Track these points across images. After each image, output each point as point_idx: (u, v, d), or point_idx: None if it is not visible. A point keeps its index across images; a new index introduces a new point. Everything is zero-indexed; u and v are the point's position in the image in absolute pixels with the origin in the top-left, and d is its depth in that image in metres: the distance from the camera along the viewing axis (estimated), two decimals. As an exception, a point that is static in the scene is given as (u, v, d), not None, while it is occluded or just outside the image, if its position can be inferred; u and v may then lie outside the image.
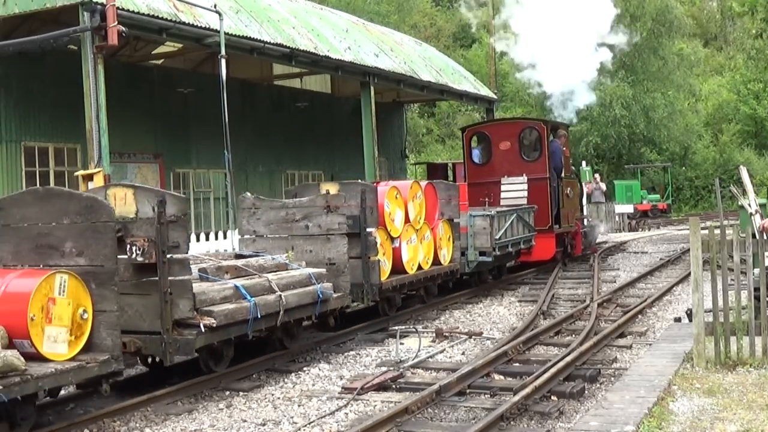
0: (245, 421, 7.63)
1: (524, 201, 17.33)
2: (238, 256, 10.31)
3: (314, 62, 16.12)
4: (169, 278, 8.01)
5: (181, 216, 8.14)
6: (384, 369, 9.36)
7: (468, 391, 8.22)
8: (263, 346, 9.97)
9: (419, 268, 12.44)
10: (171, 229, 8.08)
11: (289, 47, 14.94)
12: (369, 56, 17.98)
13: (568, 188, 19.21)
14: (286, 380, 9.21)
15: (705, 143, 44.33)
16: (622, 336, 10.82)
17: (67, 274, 7.01)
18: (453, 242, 13.53)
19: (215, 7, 13.12)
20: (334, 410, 7.77)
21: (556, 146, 18.58)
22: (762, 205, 10.22)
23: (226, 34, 13.12)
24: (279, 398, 8.42)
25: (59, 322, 6.91)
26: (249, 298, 8.79)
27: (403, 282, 12.06)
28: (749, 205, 8.95)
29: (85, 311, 7.09)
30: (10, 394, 6.29)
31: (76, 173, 11.98)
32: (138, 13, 11.69)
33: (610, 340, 10.38)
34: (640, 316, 12.29)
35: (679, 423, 6.35)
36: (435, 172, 28.57)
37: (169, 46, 15.99)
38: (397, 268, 11.89)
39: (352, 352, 10.57)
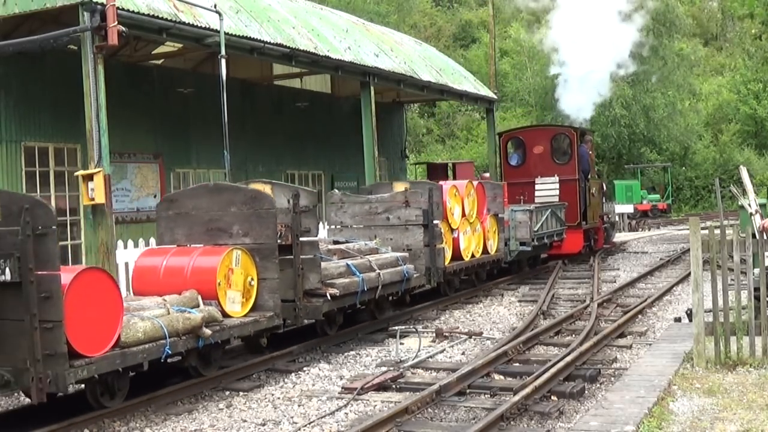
0: (245, 421, 7.63)
1: (556, 199, 19.27)
2: (335, 242, 12.06)
3: (314, 62, 16.11)
4: (301, 257, 9.91)
5: (312, 207, 10.12)
6: (384, 369, 9.36)
7: (468, 391, 8.22)
8: (355, 316, 11.87)
9: (472, 255, 14.59)
10: (303, 217, 10.04)
11: (289, 47, 14.94)
12: (369, 56, 17.98)
13: (594, 188, 21.05)
14: (286, 380, 9.21)
15: (705, 143, 44.33)
16: (622, 336, 10.82)
17: (240, 250, 9.12)
18: (498, 234, 15.70)
19: (215, 7, 13.11)
20: (334, 410, 7.77)
21: (584, 151, 20.50)
22: (762, 205, 10.22)
23: (226, 34, 13.11)
24: (279, 398, 8.42)
25: (236, 287, 9.00)
26: (358, 274, 10.87)
27: (461, 267, 14.22)
28: (749, 205, 8.95)
29: (252, 279, 9.21)
30: (214, 338, 8.42)
31: (76, 173, 11.97)
32: (138, 13, 11.68)
33: (610, 340, 10.39)
34: (640, 316, 12.29)
35: (679, 423, 6.35)
36: (435, 172, 28.59)
37: (169, 46, 15.98)
38: (456, 255, 14.01)
39: (352, 352, 10.58)
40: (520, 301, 14.65)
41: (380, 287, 11.22)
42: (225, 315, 8.77)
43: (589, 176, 20.72)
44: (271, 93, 20.44)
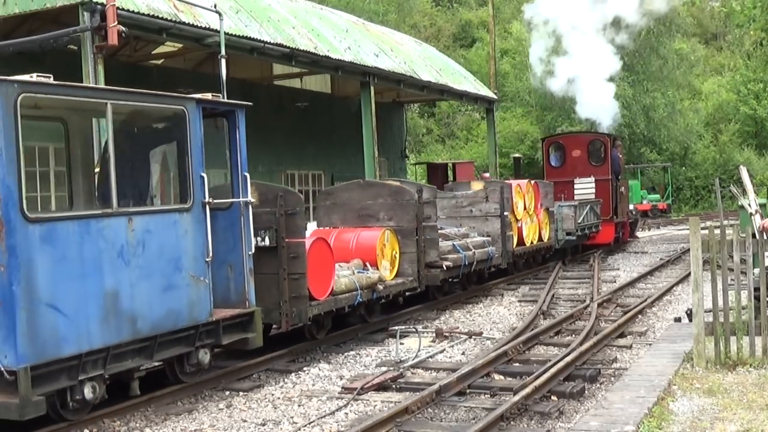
0: (245, 421, 7.63)
1: (593, 197, 22.07)
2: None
3: (314, 62, 16.11)
4: (424, 237, 12.53)
5: (432, 200, 13.02)
6: (384, 369, 9.36)
7: (468, 391, 8.22)
8: (452, 287, 14.76)
9: (531, 242, 17.42)
10: (426, 207, 12.70)
11: (289, 47, 14.93)
12: (369, 56, 17.98)
13: (623, 187, 24.10)
14: (286, 380, 9.21)
15: (705, 143, 44.31)
16: (622, 336, 10.82)
17: (389, 230, 12.13)
18: (549, 225, 18.51)
19: (215, 7, 13.10)
20: (334, 410, 7.77)
21: (616, 155, 23.28)
22: (762, 205, 10.22)
23: (226, 34, 13.10)
24: (279, 398, 8.42)
25: (387, 258, 11.98)
26: (461, 252, 13.86)
27: (524, 251, 17.17)
28: (749, 205, 8.95)
29: (396, 252, 12.25)
30: (382, 293, 11.46)
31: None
32: (138, 13, 11.68)
33: (610, 340, 10.39)
34: (640, 316, 12.29)
35: (679, 423, 6.35)
36: (435, 172, 28.62)
37: (169, 46, 15.98)
38: (520, 241, 16.83)
39: (352, 352, 10.58)
40: (520, 301, 14.65)
41: (475, 263, 14.31)
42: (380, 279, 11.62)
43: (620, 177, 23.55)
44: (271, 93, 20.44)
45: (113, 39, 10.89)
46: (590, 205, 20.81)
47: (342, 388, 8.56)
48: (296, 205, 9.68)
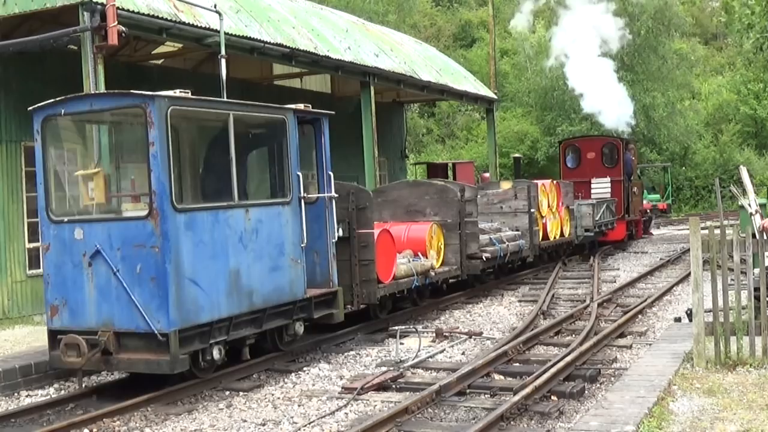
0: (245, 421, 7.63)
1: (608, 196, 23.45)
2: None
3: (314, 62, 16.11)
4: (466, 231, 14.00)
5: (473, 197, 14.33)
6: (384, 369, 9.36)
7: (468, 391, 8.22)
8: (486, 276, 16.09)
9: (554, 237, 18.85)
10: (467, 204, 14.05)
11: (289, 47, 14.93)
12: (369, 56, 17.97)
13: (635, 188, 25.70)
14: (286, 380, 9.21)
15: (705, 143, 44.28)
16: (622, 336, 10.82)
17: (435, 224, 13.60)
18: (570, 222, 19.94)
19: (215, 7, 13.11)
20: (334, 410, 7.77)
21: (628, 157, 24.82)
22: (762, 205, 10.23)
23: (226, 34, 13.10)
24: (279, 398, 8.42)
25: (433, 249, 13.42)
26: (497, 244, 15.34)
27: (549, 245, 18.64)
28: (749, 205, 8.94)
29: (441, 244, 13.64)
30: (431, 279, 13.02)
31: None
32: (138, 13, 11.67)
33: (610, 340, 10.39)
34: (640, 316, 12.29)
35: (679, 423, 6.35)
36: (435, 172, 28.62)
37: (169, 46, 15.96)
38: (545, 236, 18.21)
39: (352, 352, 10.58)
40: (520, 301, 14.65)
41: (508, 254, 15.84)
42: (431, 266, 13.10)
43: (632, 178, 25.16)
44: (271, 93, 20.42)
45: (113, 39, 10.89)
46: (606, 204, 22.44)
47: (342, 388, 8.56)
48: (366, 201, 11.25)
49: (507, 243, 15.81)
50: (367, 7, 38.93)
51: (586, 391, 8.03)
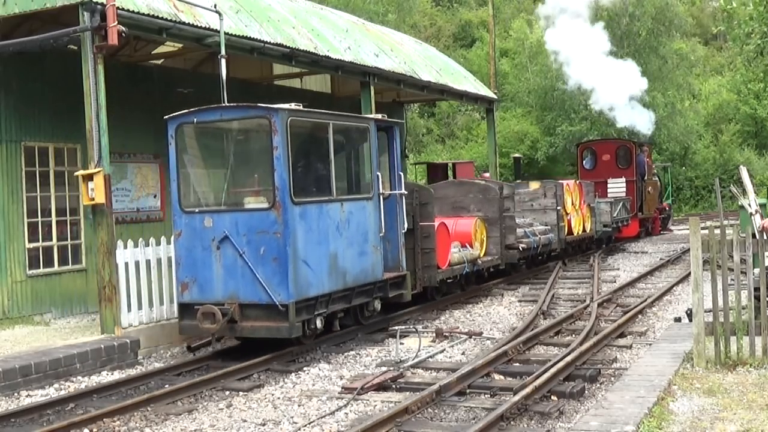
0: (245, 421, 7.63)
1: (623, 195, 25.33)
2: None
3: (314, 62, 16.09)
4: (505, 224, 15.75)
5: (511, 195, 16.15)
6: (384, 369, 9.37)
7: (468, 391, 8.23)
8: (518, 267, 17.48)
9: (577, 232, 20.46)
10: (506, 200, 15.83)
11: (289, 47, 14.91)
12: (369, 56, 17.96)
13: (649, 187, 27.45)
14: (286, 380, 9.22)
15: (705, 143, 44.24)
16: (622, 336, 10.83)
17: (479, 219, 15.34)
18: (591, 218, 21.57)
19: (215, 7, 13.09)
20: (334, 410, 7.77)
21: (641, 158, 26.68)
22: (762, 205, 10.22)
23: (226, 34, 13.09)
24: (279, 398, 8.42)
25: (477, 240, 15.07)
26: (531, 237, 17.20)
27: (573, 239, 20.26)
28: (749, 205, 8.95)
29: (483, 236, 15.37)
30: (478, 267, 14.78)
31: (76, 173, 11.96)
32: (138, 13, 11.65)
33: (610, 340, 10.39)
34: (640, 316, 12.29)
35: (679, 423, 6.35)
36: (435, 172, 28.63)
37: (169, 46, 15.94)
38: (569, 231, 19.82)
39: (352, 352, 10.58)
40: (520, 301, 14.65)
41: (540, 246, 17.52)
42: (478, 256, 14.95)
43: (646, 178, 26.82)
44: (271, 93, 20.39)
45: (113, 39, 10.88)
46: (622, 202, 24.37)
47: (342, 388, 8.56)
48: (428, 198, 13.04)
49: (539, 236, 17.61)
50: (367, 7, 38.92)
51: (586, 391, 8.03)
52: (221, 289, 10.08)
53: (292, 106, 10.27)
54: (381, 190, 11.74)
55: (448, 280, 14.18)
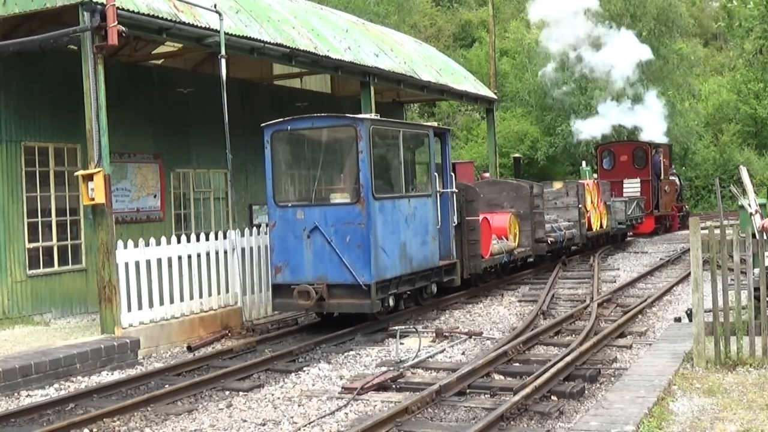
0: (245, 421, 7.63)
1: (638, 194, 27.16)
2: None
3: (314, 62, 16.09)
4: (535, 219, 17.38)
5: (540, 193, 17.91)
6: (384, 369, 9.36)
7: (468, 391, 8.22)
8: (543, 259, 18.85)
9: (596, 228, 22.04)
10: (535, 198, 17.52)
11: (289, 47, 14.91)
12: (369, 56, 17.96)
13: (666, 186, 29.22)
14: (286, 380, 9.22)
15: (705, 143, 44.23)
16: (622, 336, 10.82)
17: (512, 214, 16.80)
18: (607, 216, 23.03)
19: (215, 7, 13.10)
20: (334, 410, 7.77)
21: (657, 160, 28.53)
22: (762, 205, 10.22)
23: (226, 34, 13.09)
24: (279, 398, 8.42)
25: (512, 234, 16.64)
26: (558, 232, 18.83)
27: (592, 235, 21.85)
28: (749, 205, 8.95)
29: (516, 230, 16.85)
30: (514, 257, 16.39)
31: (76, 173, 11.96)
32: (138, 13, 11.65)
33: (610, 340, 10.39)
34: (640, 316, 12.29)
35: (679, 423, 6.35)
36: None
37: (169, 46, 15.94)
38: (589, 227, 21.38)
39: (352, 352, 10.58)
40: (520, 301, 14.65)
41: (565, 240, 19.18)
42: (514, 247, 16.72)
43: (662, 178, 28.65)
44: (271, 93, 20.41)
45: (113, 39, 10.88)
46: (636, 201, 26.04)
47: (342, 388, 8.56)
48: (473, 196, 14.79)
49: (564, 231, 19.21)
50: (368, 7, 38.91)
51: (586, 391, 8.02)
52: (311, 272, 11.72)
53: (373, 116, 12.45)
54: (437, 188, 13.45)
55: (489, 269, 15.86)
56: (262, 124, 12.33)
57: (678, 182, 31.66)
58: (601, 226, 22.53)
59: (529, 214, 17.34)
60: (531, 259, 18.02)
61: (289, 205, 12.10)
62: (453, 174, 14.16)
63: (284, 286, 11.88)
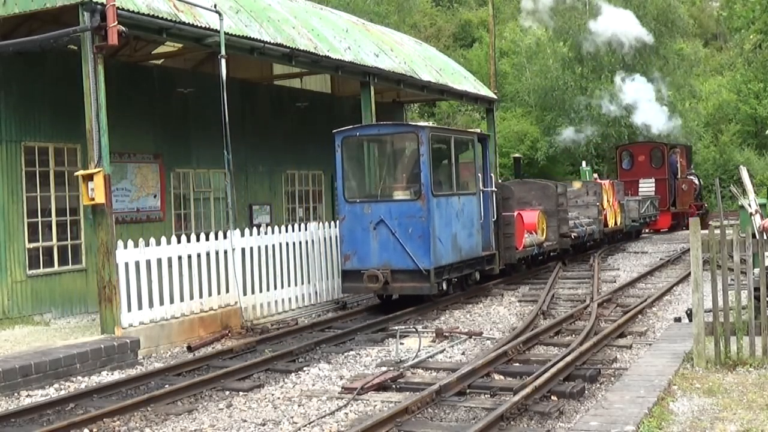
0: (245, 421, 7.63)
1: (653, 193, 28.81)
2: None
3: (314, 62, 16.09)
4: (560, 216, 19.01)
5: (564, 192, 19.46)
6: (384, 369, 9.36)
7: (468, 391, 8.22)
8: (563, 254, 20.13)
9: (612, 225, 23.62)
10: (560, 197, 19.13)
11: (289, 47, 14.91)
12: (369, 56, 17.96)
13: (683, 185, 30.59)
14: (286, 380, 9.21)
15: (705, 143, 44.24)
16: (622, 336, 10.82)
17: (540, 211, 18.32)
18: (622, 213, 24.68)
19: (215, 7, 13.10)
20: (334, 410, 7.77)
21: (673, 159, 30.05)
22: (762, 205, 10.24)
23: (226, 34, 13.09)
24: (279, 398, 8.42)
25: (540, 228, 18.14)
26: (580, 228, 20.58)
27: (609, 231, 23.50)
28: (749, 205, 8.95)
29: (544, 225, 18.39)
30: (543, 249, 18.20)
31: (76, 173, 11.96)
32: (138, 13, 11.65)
33: (610, 340, 10.38)
34: (640, 316, 12.29)
35: (679, 423, 6.35)
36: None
37: (169, 46, 15.94)
38: (606, 224, 23.01)
39: (352, 352, 10.58)
40: (520, 301, 14.64)
41: (586, 235, 20.83)
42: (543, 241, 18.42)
43: (679, 177, 29.98)
44: (271, 93, 20.42)
45: (113, 39, 10.88)
46: (650, 200, 27.55)
47: (342, 388, 8.56)
48: (509, 194, 16.69)
49: (585, 227, 20.86)
50: (368, 7, 38.91)
51: (586, 391, 8.02)
52: (377, 259, 13.39)
53: (431, 124, 14.71)
54: (481, 187, 15.20)
55: (521, 261, 17.37)
56: (334, 131, 14.12)
57: (697, 181, 32.74)
58: (616, 223, 24.04)
59: (554, 211, 18.81)
60: (553, 253, 19.32)
61: (357, 201, 13.78)
62: (492, 175, 15.96)
63: (353, 272, 13.53)
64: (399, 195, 13.80)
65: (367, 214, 13.54)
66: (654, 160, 29.83)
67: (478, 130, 16.16)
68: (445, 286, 13.75)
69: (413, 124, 14.07)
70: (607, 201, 23.18)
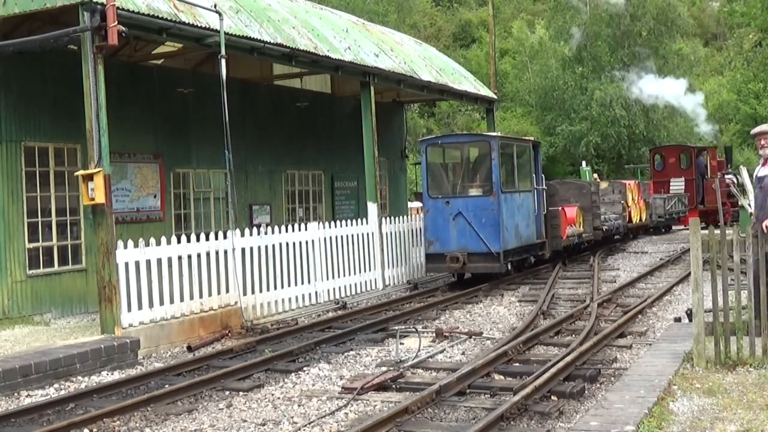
0: (245, 421, 7.63)
1: (681, 191, 31.05)
2: None
3: (314, 62, 16.09)
4: (594, 211, 21.08)
5: (597, 191, 21.67)
6: (384, 369, 9.36)
7: (468, 391, 8.22)
8: (595, 247, 22.10)
9: (636, 221, 25.61)
10: (593, 195, 21.26)
11: (289, 47, 14.91)
12: (369, 56, 17.96)
13: (713, 184, 31.30)
14: (286, 380, 9.21)
15: (705, 143, 44.26)
16: (622, 336, 10.82)
17: (578, 207, 20.63)
18: (647, 210, 26.78)
19: (215, 7, 13.10)
20: (334, 410, 7.77)
21: (701, 161, 32.27)
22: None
23: (226, 34, 13.09)
24: (279, 398, 8.42)
25: (578, 221, 20.48)
26: (609, 222, 22.43)
27: (633, 226, 25.48)
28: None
29: (581, 219, 20.68)
30: (582, 239, 20.94)
31: (76, 173, 11.96)
32: (138, 13, 11.65)
33: (610, 340, 10.38)
34: (640, 316, 12.28)
35: (679, 423, 6.35)
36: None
37: (169, 46, 15.94)
38: (630, 220, 24.95)
39: (352, 352, 10.58)
40: (520, 301, 14.64)
41: (613, 229, 22.88)
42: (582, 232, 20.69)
43: (707, 177, 31.82)
44: (271, 93, 20.42)
45: (113, 39, 10.88)
46: (678, 197, 29.76)
47: (342, 388, 8.56)
48: (554, 191, 20.03)
49: (613, 222, 22.82)
50: (368, 7, 38.93)
51: (586, 391, 8.02)
52: (455, 244, 16.24)
53: (500, 134, 18.36)
54: (534, 185, 17.96)
55: (565, 249, 19.64)
56: (420, 139, 18.79)
57: (734, 180, 33.68)
58: (641, 219, 26.23)
59: (589, 207, 21.08)
60: (589, 243, 21.52)
61: (439, 197, 16.71)
62: (543, 175, 18.69)
63: (435, 255, 16.47)
64: (474, 192, 16.73)
65: (447, 207, 16.38)
66: (682, 162, 32.25)
67: (533, 138, 19.67)
68: (509, 267, 16.64)
69: (486, 134, 17.79)
70: (632, 199, 25.05)
